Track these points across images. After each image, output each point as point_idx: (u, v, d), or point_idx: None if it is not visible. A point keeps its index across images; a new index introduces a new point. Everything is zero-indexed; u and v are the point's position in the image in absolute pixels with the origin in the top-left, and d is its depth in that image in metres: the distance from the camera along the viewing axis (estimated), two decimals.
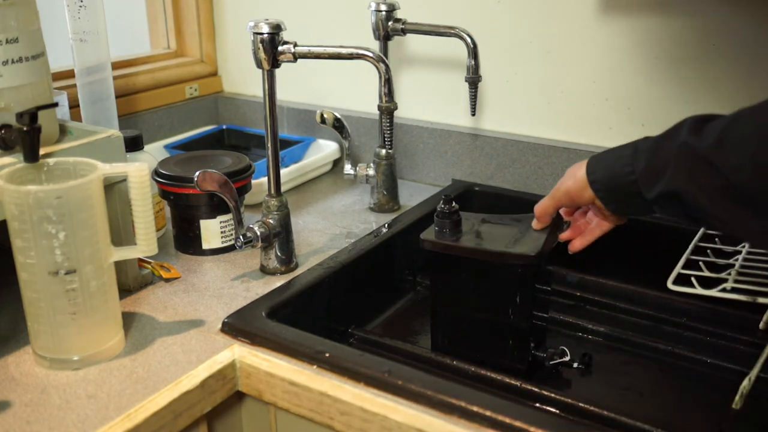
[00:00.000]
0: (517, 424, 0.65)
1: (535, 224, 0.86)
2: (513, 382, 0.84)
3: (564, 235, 0.87)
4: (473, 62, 1.10)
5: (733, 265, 0.90)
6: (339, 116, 1.13)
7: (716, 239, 0.98)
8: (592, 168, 0.77)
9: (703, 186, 0.65)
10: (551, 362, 0.89)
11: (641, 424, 0.77)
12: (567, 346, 0.97)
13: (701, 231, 0.98)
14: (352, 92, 1.38)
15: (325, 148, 1.37)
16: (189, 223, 1.03)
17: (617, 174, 0.73)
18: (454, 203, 0.88)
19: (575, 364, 0.90)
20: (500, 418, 0.66)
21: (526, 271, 0.85)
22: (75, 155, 0.80)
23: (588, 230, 0.85)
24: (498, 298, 0.87)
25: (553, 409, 0.81)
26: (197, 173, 0.88)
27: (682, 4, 1.05)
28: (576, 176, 0.78)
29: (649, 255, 1.05)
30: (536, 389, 0.83)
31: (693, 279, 0.86)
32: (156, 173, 1.02)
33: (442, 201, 0.88)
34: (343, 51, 0.90)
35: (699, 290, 0.84)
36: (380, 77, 0.88)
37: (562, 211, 0.87)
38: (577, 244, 0.85)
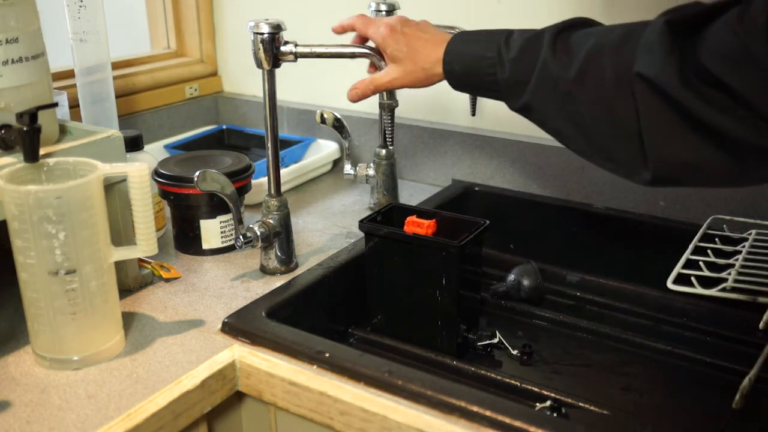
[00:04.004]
0: (517, 424, 0.65)
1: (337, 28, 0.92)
2: (513, 382, 0.85)
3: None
4: None
5: (733, 265, 0.90)
6: (339, 116, 1.13)
7: (716, 239, 0.98)
8: (450, 57, 0.80)
9: (558, 110, 0.70)
10: (480, 343, 0.94)
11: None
12: (567, 346, 0.98)
13: (701, 231, 0.98)
14: None
15: (325, 148, 1.37)
16: (189, 223, 1.03)
17: (478, 73, 0.77)
18: None
19: (515, 352, 0.94)
20: (500, 418, 0.66)
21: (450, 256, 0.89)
22: (75, 155, 0.80)
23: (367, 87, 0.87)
24: (428, 280, 0.91)
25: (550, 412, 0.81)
26: (197, 173, 0.88)
27: None
28: (429, 57, 0.81)
29: (649, 255, 1.05)
30: (536, 389, 0.83)
31: (693, 279, 0.86)
32: (156, 173, 1.02)
33: None
34: (345, 50, 0.90)
35: (699, 290, 0.85)
36: None
37: (354, 39, 0.92)
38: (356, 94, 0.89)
